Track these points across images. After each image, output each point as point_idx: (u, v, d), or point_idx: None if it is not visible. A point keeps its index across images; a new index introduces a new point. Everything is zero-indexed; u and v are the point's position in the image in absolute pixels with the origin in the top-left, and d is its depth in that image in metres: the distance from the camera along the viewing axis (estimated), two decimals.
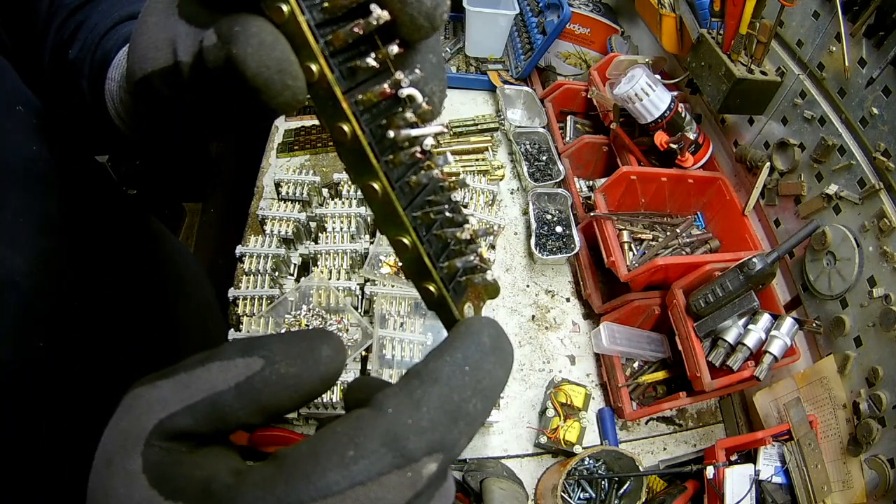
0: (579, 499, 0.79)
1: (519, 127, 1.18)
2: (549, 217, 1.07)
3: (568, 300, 1.03)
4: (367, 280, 0.89)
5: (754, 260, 0.75)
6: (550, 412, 0.85)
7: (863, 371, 0.69)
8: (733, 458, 0.75)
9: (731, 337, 0.77)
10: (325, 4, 0.20)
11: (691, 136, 0.95)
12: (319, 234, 0.94)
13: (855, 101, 0.73)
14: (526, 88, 1.27)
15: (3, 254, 0.39)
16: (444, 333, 0.21)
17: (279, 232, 0.93)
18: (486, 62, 1.37)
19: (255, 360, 0.18)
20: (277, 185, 1.01)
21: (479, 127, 1.23)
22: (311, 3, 0.20)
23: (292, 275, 0.95)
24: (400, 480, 0.17)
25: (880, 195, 0.69)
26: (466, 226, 0.23)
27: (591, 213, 0.95)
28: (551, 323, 0.99)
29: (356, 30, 0.20)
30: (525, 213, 1.12)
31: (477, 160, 1.16)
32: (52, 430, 0.42)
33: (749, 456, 0.75)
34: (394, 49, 0.21)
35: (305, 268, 0.97)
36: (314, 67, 0.20)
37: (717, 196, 0.97)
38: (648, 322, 0.94)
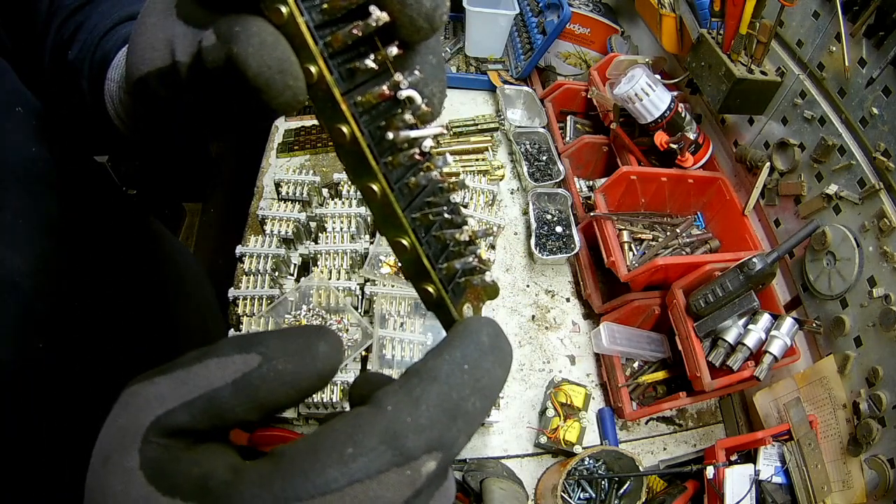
0: (579, 499, 0.80)
1: (519, 127, 1.18)
2: (549, 217, 1.07)
3: (568, 300, 1.03)
4: (367, 280, 0.89)
5: (754, 260, 0.75)
6: (550, 412, 0.85)
7: (863, 371, 0.69)
8: (733, 458, 0.75)
9: (731, 337, 0.77)
10: (325, 6, 0.20)
11: (691, 136, 0.95)
12: (319, 234, 0.94)
13: (855, 101, 0.73)
14: (526, 88, 1.27)
15: (3, 254, 0.39)
16: (444, 334, 0.21)
17: (279, 232, 0.93)
18: (486, 62, 1.37)
19: (252, 357, 0.18)
20: (277, 185, 1.01)
21: (479, 127, 1.23)
22: (310, 4, 0.20)
23: (292, 275, 0.95)
24: (399, 479, 0.17)
25: (880, 195, 0.69)
26: (465, 227, 0.23)
27: (591, 213, 0.95)
28: (551, 323, 0.99)
29: (355, 31, 0.20)
30: (525, 213, 1.12)
31: (477, 160, 1.16)
32: (52, 430, 0.42)
33: (749, 456, 0.75)
34: (393, 50, 0.21)
35: (305, 268, 0.97)
36: (313, 69, 0.20)
37: (717, 196, 0.97)
38: (648, 322, 0.94)
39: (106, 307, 0.51)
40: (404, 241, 0.22)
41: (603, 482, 0.79)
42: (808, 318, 0.78)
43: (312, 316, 0.83)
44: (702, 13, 0.93)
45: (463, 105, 1.32)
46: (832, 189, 0.75)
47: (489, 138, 1.22)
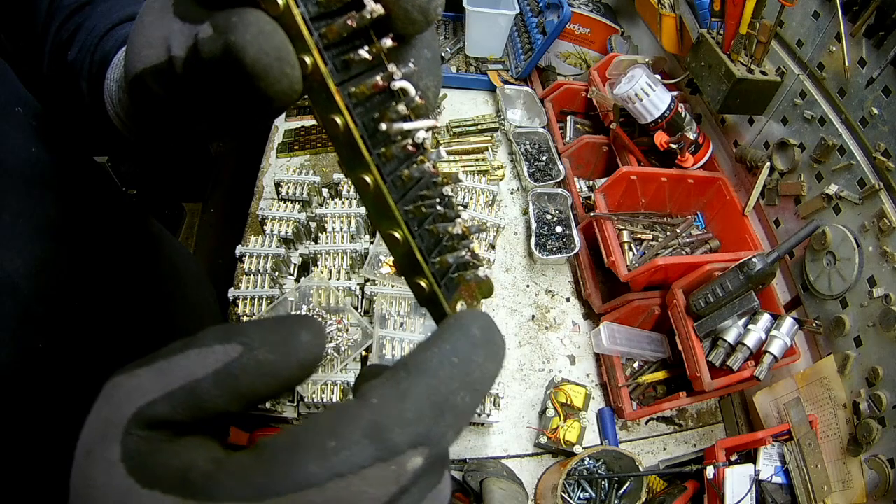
0: (579, 499, 0.80)
1: (519, 127, 1.18)
2: (549, 217, 1.07)
3: (568, 300, 1.03)
4: (367, 280, 0.89)
5: (754, 260, 0.75)
6: (550, 412, 0.85)
7: (863, 371, 0.69)
8: (733, 458, 0.75)
9: (731, 337, 0.77)
10: None
11: (691, 136, 0.95)
12: (319, 234, 0.94)
13: (855, 101, 0.73)
14: (526, 88, 1.27)
15: (2, 255, 0.39)
16: None
17: (279, 232, 0.93)
18: (486, 62, 1.37)
19: (233, 347, 0.18)
20: (277, 185, 1.01)
21: (479, 127, 1.23)
22: None
23: (292, 275, 0.95)
24: (383, 474, 0.16)
25: (880, 195, 0.69)
26: (458, 221, 0.23)
27: (591, 213, 0.95)
28: (551, 323, 0.99)
29: (349, 23, 0.20)
30: (525, 213, 1.12)
31: (477, 160, 1.16)
32: (52, 430, 0.42)
33: (749, 456, 0.75)
34: (387, 42, 0.21)
35: (305, 268, 0.97)
36: (308, 60, 0.20)
37: (717, 196, 0.97)
38: (648, 322, 0.94)
39: (105, 308, 0.51)
40: (397, 234, 0.22)
41: (603, 482, 0.79)
42: (808, 318, 0.78)
43: (312, 316, 0.83)
44: (702, 13, 0.93)
45: (463, 105, 1.32)
46: (832, 189, 0.75)
47: (489, 138, 1.22)
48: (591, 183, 1.17)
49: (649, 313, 0.91)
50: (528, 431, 0.86)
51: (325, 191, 1.05)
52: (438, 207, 0.23)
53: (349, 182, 0.99)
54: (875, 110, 0.70)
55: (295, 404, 0.81)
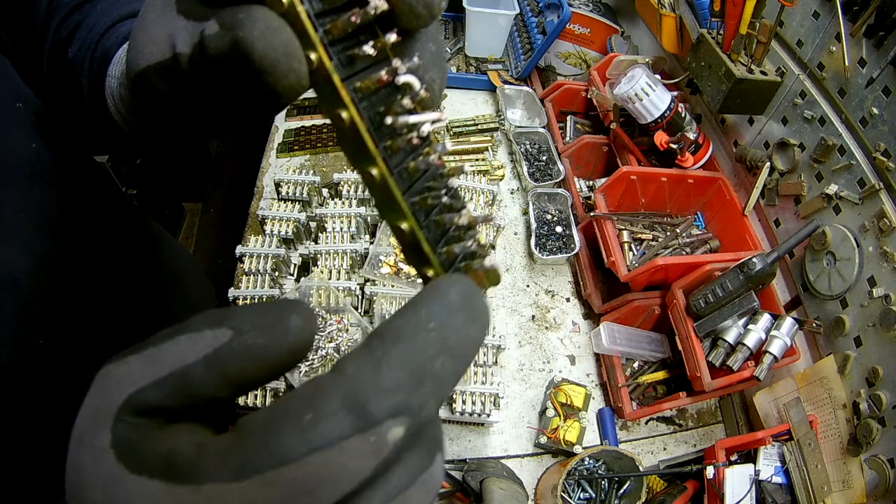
0: (579, 499, 0.79)
1: (519, 127, 1.18)
2: (549, 217, 1.07)
3: (568, 300, 1.03)
4: (367, 280, 0.89)
5: (754, 260, 0.75)
6: (550, 412, 0.85)
7: (863, 371, 0.69)
8: (733, 458, 0.75)
9: (731, 337, 0.77)
10: None
11: (691, 136, 0.95)
12: (319, 234, 0.94)
13: (855, 101, 0.73)
14: (526, 88, 1.27)
15: (3, 252, 0.39)
16: None
17: (279, 232, 0.93)
18: (486, 62, 1.37)
19: (223, 332, 0.18)
20: (277, 185, 1.00)
21: (479, 127, 1.23)
22: None
23: (292, 275, 0.95)
24: (362, 446, 0.16)
25: (880, 195, 0.69)
26: (464, 211, 0.24)
27: (591, 213, 0.95)
28: (551, 323, 0.99)
29: (353, 18, 0.20)
30: (525, 213, 1.12)
31: (477, 160, 1.16)
32: (52, 428, 0.42)
33: (749, 456, 0.75)
34: (391, 37, 0.22)
35: (305, 268, 0.97)
36: (313, 56, 0.21)
37: (717, 196, 0.97)
38: (648, 322, 0.94)
39: (105, 307, 0.51)
40: (404, 226, 0.22)
41: (603, 482, 0.79)
42: (808, 318, 0.78)
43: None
44: (702, 13, 0.93)
45: (463, 105, 1.32)
46: (832, 189, 0.75)
47: (489, 138, 1.22)
48: (591, 183, 1.17)
49: (649, 313, 0.91)
50: (528, 431, 0.86)
51: (325, 191, 1.05)
52: (445, 198, 0.23)
53: (349, 182, 0.99)
54: (875, 110, 0.70)
55: None
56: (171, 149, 1.74)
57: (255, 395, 0.76)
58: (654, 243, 0.96)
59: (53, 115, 0.45)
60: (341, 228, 0.93)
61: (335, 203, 0.96)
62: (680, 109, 0.94)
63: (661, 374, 0.92)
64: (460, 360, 0.18)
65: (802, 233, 0.77)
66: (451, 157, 1.16)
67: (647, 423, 0.91)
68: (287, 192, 0.99)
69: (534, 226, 1.03)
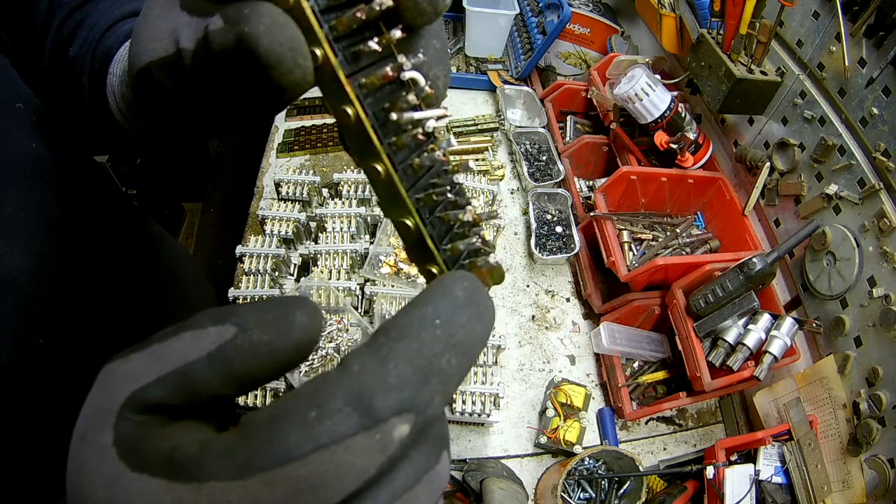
0: (579, 499, 0.79)
1: (519, 127, 1.18)
2: (549, 217, 1.07)
3: (568, 300, 1.03)
4: (367, 280, 0.89)
5: (754, 260, 0.75)
6: (550, 412, 0.85)
7: (863, 371, 0.69)
8: (733, 458, 0.75)
9: (731, 337, 0.77)
10: None
11: (691, 136, 0.95)
12: (319, 234, 0.94)
13: (855, 101, 0.73)
14: (526, 88, 1.27)
15: (3, 250, 0.39)
16: None
17: (279, 232, 0.93)
18: (486, 62, 1.37)
19: (227, 328, 0.18)
20: (277, 185, 1.00)
21: (479, 127, 1.23)
22: None
23: (292, 275, 0.95)
24: (368, 443, 0.16)
25: (880, 195, 0.69)
26: (469, 208, 0.24)
27: (591, 213, 0.95)
28: (551, 323, 0.99)
29: (359, 15, 0.21)
30: (525, 213, 1.12)
31: (477, 160, 1.16)
32: (52, 428, 0.42)
33: (749, 456, 0.75)
34: (396, 33, 0.22)
35: (305, 268, 0.97)
36: (318, 52, 0.21)
37: (717, 196, 0.97)
38: (648, 322, 0.94)
39: (104, 307, 0.51)
40: (408, 222, 0.22)
41: (603, 482, 0.79)
42: (808, 318, 0.78)
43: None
44: (702, 13, 0.93)
45: (463, 105, 1.32)
46: (832, 189, 0.75)
47: (489, 138, 1.22)
48: (591, 183, 1.17)
49: (649, 313, 0.91)
50: (528, 431, 0.86)
51: (325, 191, 1.05)
52: (449, 195, 0.23)
53: (349, 182, 0.99)
54: (875, 110, 0.70)
55: None
56: (171, 148, 1.74)
57: (255, 395, 0.76)
58: (654, 243, 0.96)
59: (53, 115, 0.45)
60: (341, 228, 0.93)
61: (335, 203, 0.96)
62: (680, 109, 0.94)
63: (661, 374, 0.92)
64: (466, 356, 0.18)
65: (802, 233, 0.77)
66: (452, 158, 1.16)
67: (647, 423, 0.91)
68: (287, 192, 0.99)
69: (534, 226, 1.03)
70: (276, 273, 0.89)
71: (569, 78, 1.35)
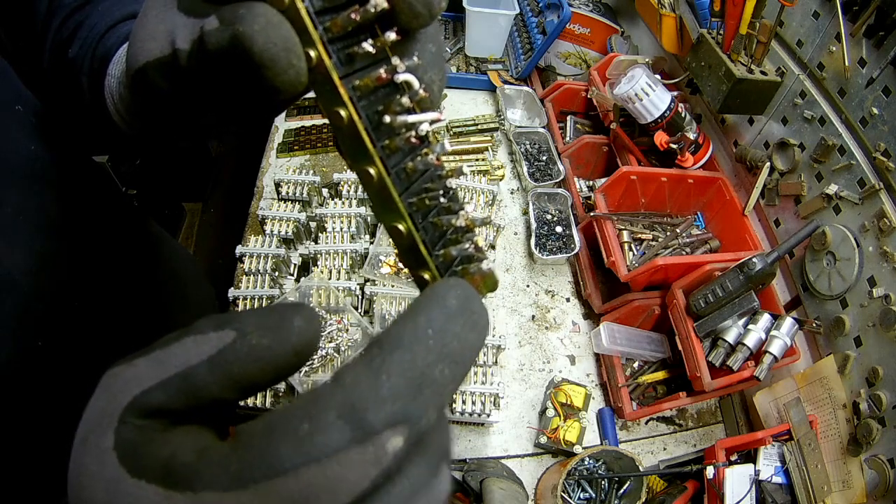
0: (579, 499, 0.79)
1: (519, 127, 1.18)
2: (549, 217, 1.07)
3: (568, 300, 1.03)
4: (367, 280, 0.89)
5: (754, 260, 0.75)
6: (550, 412, 0.85)
7: (863, 371, 0.69)
8: (733, 458, 0.75)
9: (731, 337, 0.77)
10: None
11: (691, 136, 0.95)
12: (319, 234, 0.94)
13: (855, 101, 0.73)
14: (526, 88, 1.27)
15: (3, 251, 0.39)
16: None
17: (279, 232, 0.93)
18: (486, 62, 1.37)
19: (227, 333, 0.18)
20: (277, 185, 1.01)
21: (479, 127, 1.23)
22: None
23: (292, 275, 0.95)
24: (361, 457, 0.16)
25: (880, 195, 0.69)
26: (462, 213, 0.24)
27: (591, 213, 0.95)
28: (551, 323, 0.99)
29: (353, 16, 0.21)
30: (525, 213, 1.12)
31: (477, 160, 1.16)
32: (51, 428, 0.42)
33: (749, 456, 0.75)
34: (391, 36, 0.22)
35: (305, 268, 0.97)
36: (312, 53, 0.21)
37: (717, 196, 0.97)
38: (648, 322, 0.94)
39: (104, 307, 0.51)
40: (401, 227, 0.22)
41: (603, 482, 0.79)
42: (808, 318, 0.78)
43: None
44: (702, 13, 0.93)
45: (463, 105, 1.32)
46: (832, 189, 0.75)
47: (489, 138, 1.22)
48: (591, 183, 1.17)
49: (649, 313, 0.91)
50: (528, 431, 0.86)
51: (325, 191, 1.05)
52: (442, 200, 0.23)
53: (349, 182, 0.99)
54: (875, 110, 0.70)
55: None
56: (170, 149, 1.74)
57: (256, 396, 0.76)
58: (654, 243, 0.96)
59: (53, 116, 0.45)
60: (341, 228, 0.93)
61: (335, 203, 0.96)
62: (680, 109, 0.94)
63: (661, 374, 0.92)
64: (460, 365, 0.18)
65: (802, 233, 0.77)
66: (452, 157, 1.16)
67: (647, 423, 0.91)
68: (287, 192, 1.00)
69: (534, 226, 1.03)
70: (276, 273, 0.89)
71: (569, 78, 1.35)
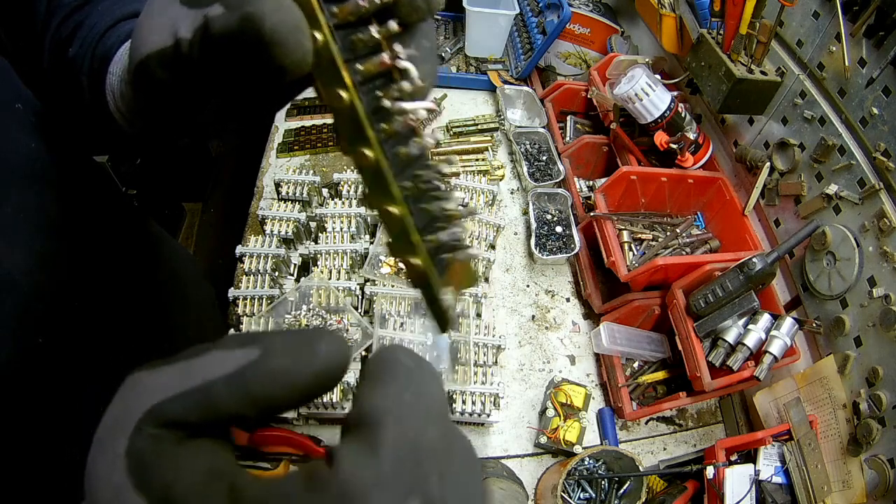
0: (579, 499, 0.79)
1: (519, 127, 1.18)
2: (549, 217, 1.07)
3: (568, 300, 1.03)
4: (367, 280, 0.89)
5: (754, 260, 0.75)
6: (550, 412, 0.85)
7: (863, 371, 0.69)
8: (733, 458, 0.75)
9: (731, 337, 0.77)
10: None
11: (691, 136, 0.95)
12: (319, 234, 0.94)
13: (855, 101, 0.73)
14: (526, 88, 1.27)
15: (3, 250, 0.39)
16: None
17: (279, 232, 0.93)
18: (486, 62, 1.37)
19: (251, 351, 0.18)
20: (277, 185, 1.00)
21: (479, 127, 1.23)
22: None
23: (292, 275, 0.95)
24: None
25: (880, 195, 0.69)
26: (451, 197, 0.25)
27: (591, 213, 0.95)
28: (551, 323, 0.99)
29: (361, 2, 0.22)
30: (525, 213, 1.12)
31: (477, 160, 1.16)
32: (51, 428, 0.42)
33: (749, 456, 0.75)
34: (393, 25, 0.23)
35: (305, 268, 0.97)
36: (319, 36, 0.22)
37: (717, 196, 0.97)
38: (648, 322, 0.94)
39: (104, 307, 0.51)
40: (393, 210, 0.23)
41: (603, 482, 0.79)
42: (808, 318, 0.78)
43: (312, 316, 0.83)
44: (702, 13, 0.93)
45: (463, 105, 1.32)
46: (832, 189, 0.75)
47: (489, 138, 1.22)
48: (591, 183, 1.17)
49: (649, 313, 0.91)
50: (528, 431, 0.86)
51: (325, 191, 1.05)
52: (433, 186, 0.24)
53: (349, 182, 0.99)
54: (875, 110, 0.70)
55: None
56: (170, 148, 1.74)
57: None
58: (654, 243, 0.96)
59: (53, 115, 0.45)
60: (341, 228, 0.93)
61: (335, 203, 0.96)
62: (680, 109, 0.94)
63: (661, 374, 0.92)
64: (443, 422, 0.18)
65: (802, 233, 0.77)
66: (450, 158, 1.16)
67: (647, 423, 0.91)
68: (287, 192, 0.99)
69: (534, 226, 1.03)
70: (276, 273, 0.89)
71: (569, 78, 1.35)
